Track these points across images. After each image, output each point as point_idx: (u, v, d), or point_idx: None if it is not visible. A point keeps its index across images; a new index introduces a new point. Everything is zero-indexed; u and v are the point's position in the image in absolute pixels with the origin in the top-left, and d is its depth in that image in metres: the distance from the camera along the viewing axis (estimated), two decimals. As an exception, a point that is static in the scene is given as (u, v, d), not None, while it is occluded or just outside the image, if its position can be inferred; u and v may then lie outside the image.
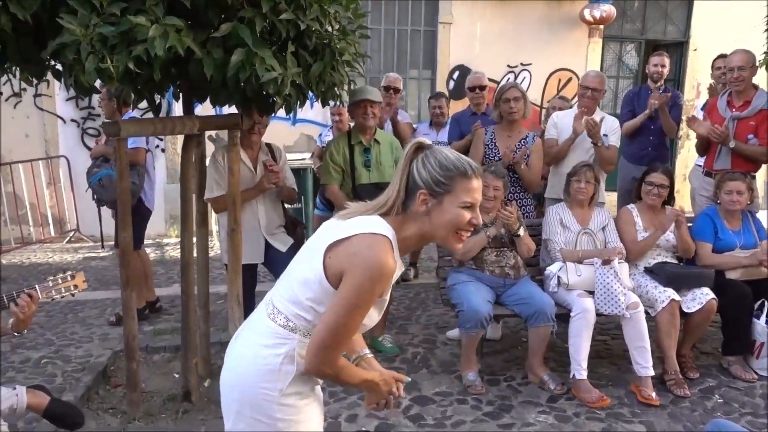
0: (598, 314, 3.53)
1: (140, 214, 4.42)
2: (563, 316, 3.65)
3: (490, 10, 8.02)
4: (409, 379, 1.83)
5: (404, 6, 8.01)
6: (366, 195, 3.77)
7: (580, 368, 3.51)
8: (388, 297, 1.73)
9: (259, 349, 1.66)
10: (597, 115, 4.32)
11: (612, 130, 4.33)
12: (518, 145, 4.18)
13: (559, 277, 3.71)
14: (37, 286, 2.41)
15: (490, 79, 5.46)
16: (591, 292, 3.62)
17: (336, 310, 1.54)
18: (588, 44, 8.35)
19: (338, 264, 1.56)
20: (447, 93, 7.29)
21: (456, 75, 8.11)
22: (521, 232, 3.70)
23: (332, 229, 1.64)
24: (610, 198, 5.25)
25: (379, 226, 1.59)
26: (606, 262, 3.60)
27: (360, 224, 1.60)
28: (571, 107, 5.08)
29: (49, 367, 3.92)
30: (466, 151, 4.84)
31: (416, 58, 8.21)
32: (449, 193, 1.60)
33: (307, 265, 1.64)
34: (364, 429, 3.18)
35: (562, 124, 4.41)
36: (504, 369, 3.91)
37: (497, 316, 3.76)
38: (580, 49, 8.36)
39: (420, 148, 1.66)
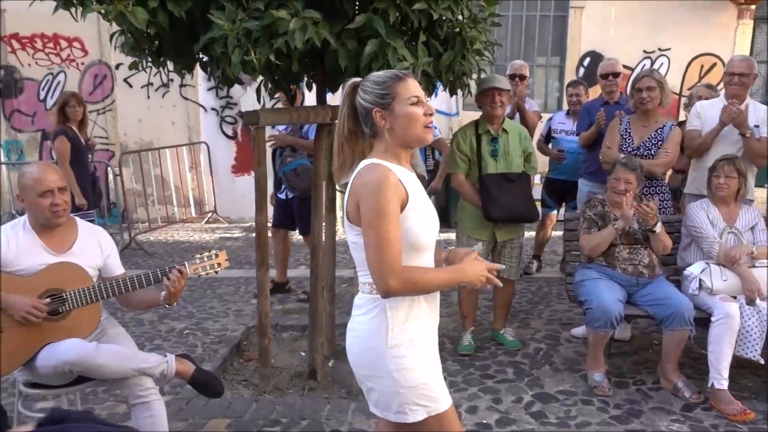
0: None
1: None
2: (701, 320, 3.41)
3: (626, -8, 7.58)
4: (503, 266, 1.87)
5: (534, -9, 7.78)
6: (492, 185, 3.76)
7: (720, 377, 3.26)
8: (428, 210, 1.86)
9: (360, 318, 1.88)
10: (747, 105, 3.97)
11: (762, 119, 3.95)
12: (654, 135, 3.93)
13: (701, 279, 3.46)
14: (185, 263, 2.61)
15: (624, 66, 5.17)
16: (734, 297, 3.35)
17: (367, 231, 1.73)
18: (736, 26, 7.66)
19: (354, 207, 1.78)
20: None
21: (587, 61, 7.76)
22: (658, 228, 3.49)
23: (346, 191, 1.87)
24: (760, 194, 4.81)
25: (364, 162, 1.82)
26: (751, 301, 3.31)
27: (353, 174, 1.84)
28: (717, 96, 4.68)
29: (191, 338, 4.25)
30: (594, 141, 4.65)
31: (545, 45, 7.95)
32: (394, 98, 1.79)
33: (348, 233, 1.86)
34: (484, 421, 3.17)
35: (706, 114, 4.08)
36: (633, 372, 3.72)
37: (628, 316, 3.58)
38: (726, 31, 7.69)
39: (356, 86, 1.87)
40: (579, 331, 4.21)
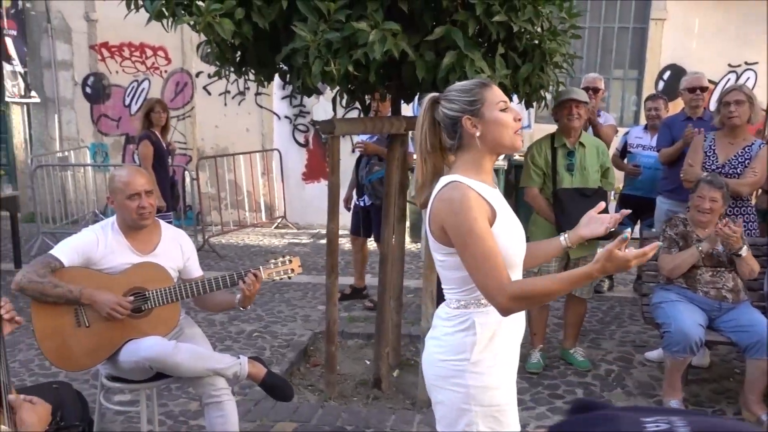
0: None
1: None
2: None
3: (710, 3, 7.26)
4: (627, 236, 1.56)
5: (612, 3, 7.56)
6: (567, 200, 3.67)
7: (808, 412, 3.07)
8: (515, 225, 1.83)
9: (446, 330, 1.84)
10: None
11: None
12: (741, 153, 3.75)
13: (788, 305, 3.27)
14: (261, 267, 2.68)
15: (708, 80, 4.95)
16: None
17: (464, 255, 1.69)
18: (831, 38, 7.21)
19: (439, 228, 1.75)
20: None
21: (667, 75, 7.49)
22: (743, 252, 3.31)
23: (427, 208, 1.85)
24: None
25: (444, 179, 1.79)
26: None
27: (434, 191, 1.81)
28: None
29: (259, 341, 4.35)
30: (676, 159, 4.47)
31: (622, 57, 7.72)
32: (483, 104, 1.75)
33: (432, 248, 1.84)
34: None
35: (799, 132, 3.87)
36: (712, 400, 3.54)
37: (709, 342, 3.41)
38: (822, 44, 7.25)
39: (435, 100, 1.83)
40: (654, 354, 4.05)
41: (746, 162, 3.74)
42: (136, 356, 2.49)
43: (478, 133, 1.76)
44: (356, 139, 5.30)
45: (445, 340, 1.82)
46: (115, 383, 2.67)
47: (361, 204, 4.89)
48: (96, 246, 2.58)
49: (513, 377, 1.89)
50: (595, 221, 1.95)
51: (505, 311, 1.68)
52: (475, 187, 1.74)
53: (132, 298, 2.55)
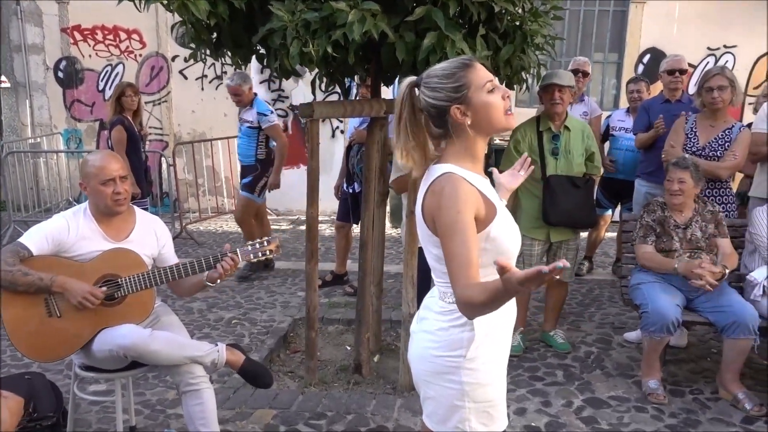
0: None
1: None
2: (765, 330, 3.26)
3: (691, -14, 7.29)
4: (565, 265, 1.25)
5: (592, -15, 7.56)
6: (558, 187, 3.65)
7: (784, 390, 3.11)
8: (508, 215, 1.74)
9: (440, 325, 1.75)
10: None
11: None
12: (722, 135, 3.77)
13: (764, 286, 3.30)
14: (238, 249, 2.63)
15: (688, 64, 4.96)
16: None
17: (445, 244, 1.59)
18: (808, 22, 7.28)
19: (432, 220, 1.66)
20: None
21: (647, 58, 7.51)
22: (726, 273, 3.33)
23: (418, 198, 1.74)
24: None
25: (437, 169, 1.68)
26: None
27: (425, 181, 1.71)
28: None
29: (238, 328, 4.30)
30: (652, 146, 4.49)
31: (602, 41, 7.73)
32: (469, 89, 1.63)
33: (425, 241, 1.74)
34: (533, 424, 3.10)
35: (776, 116, 3.89)
36: (689, 380, 3.58)
37: (686, 322, 3.44)
38: (798, 28, 7.32)
39: (414, 85, 1.70)
40: (633, 336, 4.08)
41: (726, 144, 3.76)
42: (110, 345, 2.44)
43: (468, 121, 1.64)
44: (338, 124, 5.24)
45: (439, 335, 1.74)
46: (89, 373, 2.62)
47: (350, 191, 4.85)
48: (67, 232, 2.51)
49: (505, 371, 1.85)
50: (514, 177, 2.18)
51: (464, 311, 1.58)
52: (471, 180, 1.65)
53: (105, 288, 2.49)
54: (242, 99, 5.17)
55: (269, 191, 5.39)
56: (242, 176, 5.46)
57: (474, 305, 1.50)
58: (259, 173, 5.26)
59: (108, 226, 2.59)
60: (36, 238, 2.47)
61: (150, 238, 2.69)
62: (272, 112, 5.28)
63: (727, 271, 3.32)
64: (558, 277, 1.26)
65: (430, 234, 1.69)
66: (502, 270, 1.32)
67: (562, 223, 3.71)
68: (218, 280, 2.60)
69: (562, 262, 1.21)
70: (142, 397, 3.30)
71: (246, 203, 5.33)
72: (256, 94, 5.31)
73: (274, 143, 5.25)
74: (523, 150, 3.70)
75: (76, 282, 2.44)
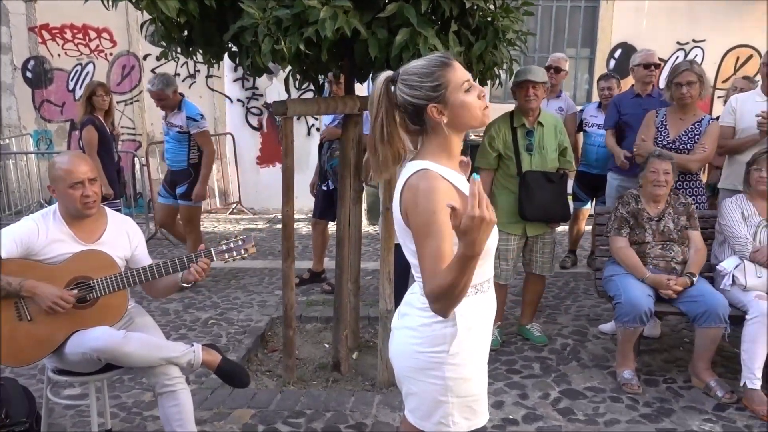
0: None
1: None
2: (735, 318, 3.33)
3: (660, -18, 7.40)
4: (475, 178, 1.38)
5: (564, -19, 7.63)
6: (534, 183, 3.68)
7: (753, 377, 3.18)
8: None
9: (423, 321, 1.74)
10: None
11: None
12: (691, 128, 3.83)
13: (734, 276, 3.37)
14: (212, 249, 2.61)
15: (659, 58, 5.04)
16: (770, 294, 3.27)
17: (419, 242, 1.60)
18: (775, 17, 7.44)
19: (406, 216, 1.66)
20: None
21: (618, 53, 7.61)
22: (695, 278, 3.43)
23: (395, 195, 1.74)
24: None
25: (413, 165, 1.68)
26: None
27: (402, 177, 1.71)
28: (755, 88, 4.54)
29: (215, 328, 4.27)
30: (623, 137, 4.56)
31: (574, 36, 7.81)
32: (447, 88, 1.64)
33: (403, 237, 1.74)
34: (510, 417, 3.12)
35: (742, 108, 3.96)
36: (663, 370, 3.64)
37: (659, 312, 3.50)
38: (763, 22, 7.44)
39: (390, 80, 1.70)
40: (607, 327, 4.14)
41: (696, 137, 3.82)
42: (83, 348, 2.40)
43: (445, 120, 1.66)
44: (313, 122, 5.20)
45: (421, 331, 1.74)
46: (62, 377, 2.58)
47: (325, 188, 4.84)
48: (36, 235, 2.46)
49: (486, 366, 1.87)
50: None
51: (434, 306, 1.58)
52: (447, 177, 1.66)
53: (75, 291, 2.45)
54: (167, 103, 4.93)
55: (194, 202, 4.98)
56: (173, 183, 5.04)
57: (443, 291, 1.50)
58: (193, 179, 4.94)
59: (79, 228, 2.55)
60: (5, 242, 2.42)
61: (122, 239, 2.65)
62: (202, 117, 5.04)
63: (695, 279, 3.40)
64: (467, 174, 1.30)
65: (407, 229, 1.69)
66: (452, 215, 1.41)
67: (538, 218, 3.75)
68: (193, 281, 2.58)
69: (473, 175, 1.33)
70: (118, 400, 3.26)
71: (190, 212, 5.04)
72: (183, 95, 5.07)
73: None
74: (498, 146, 3.73)
75: (46, 286, 2.40)
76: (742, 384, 3.22)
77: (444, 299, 1.53)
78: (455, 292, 1.50)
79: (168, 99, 4.91)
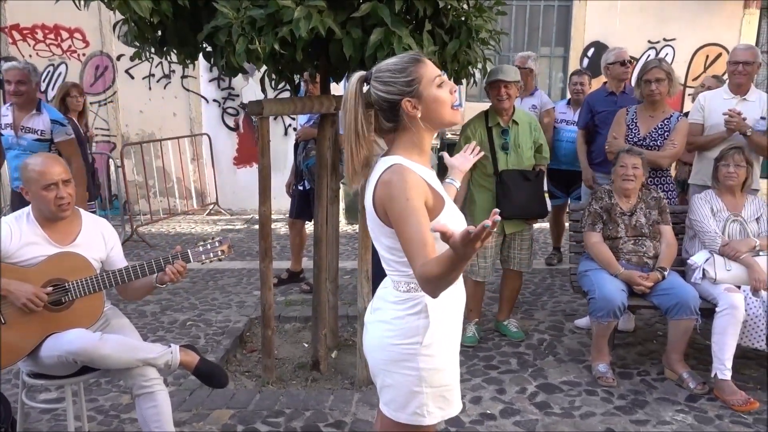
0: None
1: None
2: (706, 311, 3.40)
3: (631, -19, 7.52)
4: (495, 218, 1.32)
5: (537, -19, 7.72)
6: (511, 181, 3.72)
7: (723, 368, 3.26)
8: (454, 207, 1.80)
9: (396, 314, 1.78)
10: (752, 94, 3.95)
11: (766, 110, 3.92)
12: (661, 125, 3.91)
13: (704, 269, 3.45)
14: (189, 250, 2.60)
15: (630, 56, 5.13)
16: (739, 287, 3.35)
17: (400, 230, 1.63)
18: (743, 16, 7.61)
19: (383, 212, 1.69)
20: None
21: (591, 52, 7.72)
22: (667, 272, 3.50)
23: (367, 191, 1.77)
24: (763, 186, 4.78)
25: (386, 161, 1.72)
26: (756, 291, 3.30)
27: (374, 173, 1.74)
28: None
29: (193, 329, 4.24)
30: (595, 134, 4.64)
31: (548, 35, 7.90)
32: (420, 83, 1.69)
33: (376, 232, 1.77)
34: (488, 411, 3.16)
35: (710, 105, 4.05)
36: (637, 363, 3.71)
37: (632, 306, 3.57)
38: (733, 21, 7.64)
39: (364, 79, 1.74)
40: (583, 322, 4.20)
41: (666, 134, 3.90)
42: (58, 350, 2.38)
43: (419, 114, 1.70)
44: (290, 122, 5.16)
45: (395, 323, 1.78)
46: (38, 380, 2.55)
47: (301, 188, 4.84)
48: (9, 238, 2.44)
49: (458, 356, 1.91)
50: (465, 159, 2.34)
51: (428, 292, 1.60)
52: (419, 172, 1.69)
53: (50, 289, 2.43)
54: (26, 98, 4.00)
55: None
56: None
57: (432, 279, 1.52)
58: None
59: (53, 230, 2.53)
60: (-24, 245, 2.39)
61: (97, 241, 2.63)
62: (68, 123, 4.18)
63: (666, 273, 3.47)
64: (492, 225, 1.30)
65: (381, 224, 1.73)
66: (442, 236, 1.38)
67: (516, 216, 3.79)
68: (168, 282, 2.56)
69: (494, 214, 1.31)
70: (95, 403, 3.23)
71: None
72: (40, 99, 4.19)
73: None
74: None
75: (20, 284, 2.37)
76: (713, 375, 3.29)
77: (434, 284, 1.55)
78: (447, 279, 1.51)
79: (29, 91, 4.01)
